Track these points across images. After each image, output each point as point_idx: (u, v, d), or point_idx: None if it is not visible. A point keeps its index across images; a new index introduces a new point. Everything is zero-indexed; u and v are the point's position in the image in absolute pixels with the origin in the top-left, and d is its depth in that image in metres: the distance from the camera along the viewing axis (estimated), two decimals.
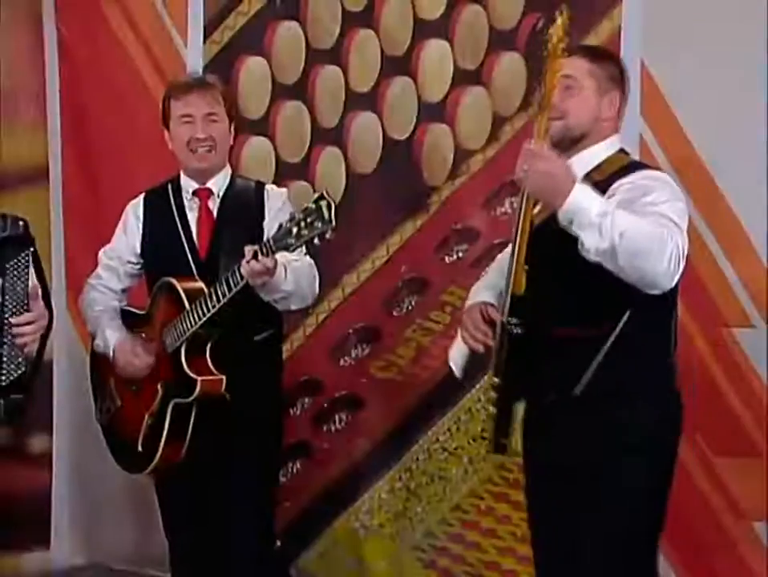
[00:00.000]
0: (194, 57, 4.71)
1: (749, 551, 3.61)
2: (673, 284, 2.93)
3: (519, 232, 2.98)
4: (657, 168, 3.18)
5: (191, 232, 3.70)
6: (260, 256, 3.30)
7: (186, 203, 3.73)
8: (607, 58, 3.17)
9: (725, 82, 3.54)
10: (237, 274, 3.37)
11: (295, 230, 3.20)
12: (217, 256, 3.59)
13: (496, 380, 3.08)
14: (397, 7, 4.26)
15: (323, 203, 3.16)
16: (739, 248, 3.58)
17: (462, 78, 4.13)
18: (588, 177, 3.04)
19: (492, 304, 3.19)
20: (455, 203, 4.17)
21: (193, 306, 3.50)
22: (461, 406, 4.08)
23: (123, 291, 3.86)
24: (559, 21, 2.91)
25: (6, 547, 4.74)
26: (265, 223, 3.63)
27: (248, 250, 3.33)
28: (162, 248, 3.73)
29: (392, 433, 4.38)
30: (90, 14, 4.97)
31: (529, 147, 2.92)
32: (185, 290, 3.56)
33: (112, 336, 3.73)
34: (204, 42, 4.70)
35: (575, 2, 3.84)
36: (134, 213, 3.83)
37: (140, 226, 3.80)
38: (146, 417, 3.64)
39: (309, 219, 3.17)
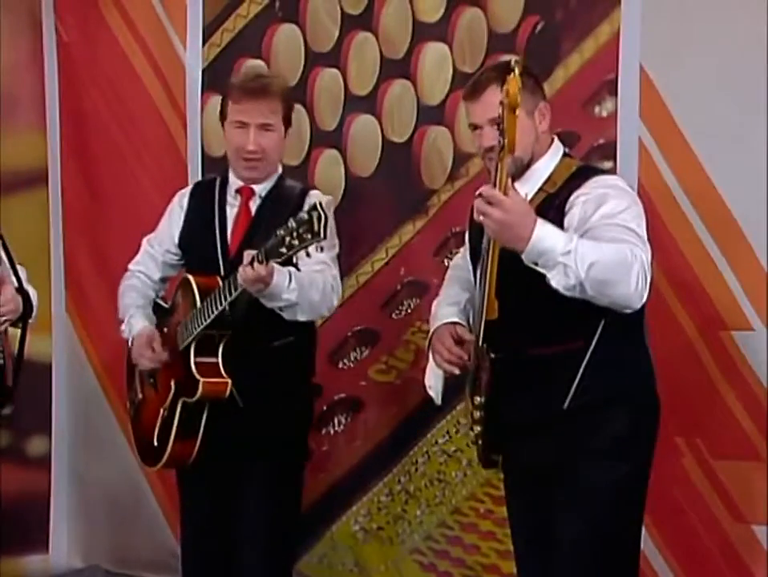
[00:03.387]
0: (193, 59, 4.71)
1: (749, 555, 3.61)
2: (644, 301, 2.98)
3: (489, 260, 2.98)
4: (610, 172, 3.22)
5: (226, 229, 3.66)
6: (255, 264, 3.28)
7: (229, 199, 3.70)
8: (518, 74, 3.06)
9: (725, 85, 3.54)
10: (235, 279, 3.37)
11: (287, 240, 3.16)
12: None
13: (479, 399, 3.12)
14: (396, 10, 4.26)
15: (314, 215, 3.11)
16: (739, 250, 3.57)
17: (462, 81, 4.11)
18: (541, 191, 3.10)
19: (460, 323, 3.23)
20: (454, 206, 4.16)
21: (204, 304, 3.49)
22: (460, 409, 4.07)
23: (162, 280, 3.86)
24: (512, 75, 2.84)
25: (4, 550, 4.73)
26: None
27: (247, 255, 3.31)
28: (197, 241, 3.71)
29: (391, 436, 4.38)
30: (89, 16, 4.97)
31: (485, 193, 2.88)
32: (199, 287, 3.54)
33: (135, 326, 3.74)
34: (204, 44, 4.70)
35: (574, 5, 3.86)
36: (179, 202, 3.82)
37: (182, 216, 3.78)
38: (161, 411, 3.64)
39: (300, 230, 3.13)
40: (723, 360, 3.61)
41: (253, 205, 3.67)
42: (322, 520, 4.50)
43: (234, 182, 3.70)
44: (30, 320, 3.43)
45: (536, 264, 2.90)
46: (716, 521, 3.66)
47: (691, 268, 3.66)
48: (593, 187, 3.05)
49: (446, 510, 4.26)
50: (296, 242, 3.14)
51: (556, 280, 2.90)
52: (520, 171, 3.09)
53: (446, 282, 3.47)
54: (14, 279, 3.33)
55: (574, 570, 3.08)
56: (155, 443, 3.65)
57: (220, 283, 3.49)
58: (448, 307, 3.32)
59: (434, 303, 3.40)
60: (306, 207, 3.16)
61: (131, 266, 3.88)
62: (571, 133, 3.75)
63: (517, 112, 2.87)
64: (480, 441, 3.19)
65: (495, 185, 2.92)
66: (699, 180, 3.61)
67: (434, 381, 3.29)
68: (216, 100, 4.38)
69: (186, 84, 4.73)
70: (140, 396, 3.81)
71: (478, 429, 3.16)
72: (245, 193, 3.68)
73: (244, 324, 3.50)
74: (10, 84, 4.97)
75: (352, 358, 4.44)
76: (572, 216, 3.02)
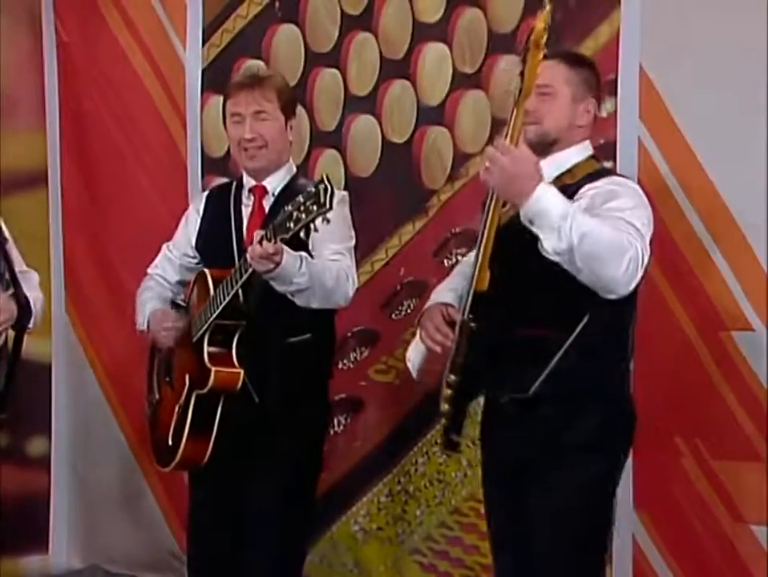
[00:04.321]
0: (193, 60, 4.72)
1: (749, 556, 3.60)
2: (630, 289, 2.96)
3: (486, 228, 3.00)
4: (623, 176, 3.24)
5: (241, 228, 3.67)
6: (264, 242, 3.28)
7: (244, 199, 3.71)
8: (584, 64, 3.21)
9: (724, 86, 3.54)
10: (246, 261, 3.37)
11: (295, 214, 3.17)
12: None
13: (453, 377, 3.09)
14: (396, 10, 4.26)
15: (321, 187, 3.12)
16: (739, 250, 3.57)
17: (462, 81, 4.13)
18: (558, 179, 3.10)
19: (452, 305, 3.22)
20: (454, 207, 4.17)
21: (217, 291, 3.49)
22: None
23: (180, 283, 3.86)
24: (544, 12, 2.88)
25: (4, 550, 4.73)
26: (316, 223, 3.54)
27: (256, 234, 3.32)
28: (214, 241, 3.72)
29: (391, 436, 4.38)
30: (89, 17, 4.98)
31: (496, 143, 2.92)
32: (213, 278, 3.55)
33: (148, 309, 3.75)
34: (203, 45, 4.70)
35: (574, 5, 3.86)
36: (195, 207, 3.85)
37: (199, 220, 3.80)
38: (176, 409, 3.63)
39: (307, 204, 3.14)
40: (723, 360, 3.61)
41: (267, 203, 3.68)
42: (322, 520, 4.50)
43: (248, 182, 3.72)
44: (29, 326, 3.38)
45: (531, 224, 2.90)
46: (716, 521, 3.65)
47: (691, 268, 3.66)
48: (606, 182, 3.07)
49: (446, 510, 4.26)
50: (303, 215, 3.15)
51: (548, 243, 2.89)
52: (542, 147, 3.09)
53: (454, 271, 3.46)
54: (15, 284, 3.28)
55: (547, 563, 3.08)
56: (170, 442, 3.63)
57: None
58: (447, 292, 3.31)
59: (436, 288, 3.39)
60: (315, 181, 3.16)
61: (149, 270, 3.90)
62: None
63: (541, 51, 2.88)
64: (444, 420, 3.14)
65: (506, 135, 2.93)
66: (699, 181, 3.61)
67: (413, 355, 3.27)
68: (215, 100, 4.40)
69: (186, 84, 4.73)
70: (157, 397, 3.81)
71: (446, 407, 3.12)
72: (258, 192, 3.70)
73: (260, 320, 3.50)
74: (10, 84, 4.97)
75: (352, 358, 4.44)
76: (579, 205, 3.00)
